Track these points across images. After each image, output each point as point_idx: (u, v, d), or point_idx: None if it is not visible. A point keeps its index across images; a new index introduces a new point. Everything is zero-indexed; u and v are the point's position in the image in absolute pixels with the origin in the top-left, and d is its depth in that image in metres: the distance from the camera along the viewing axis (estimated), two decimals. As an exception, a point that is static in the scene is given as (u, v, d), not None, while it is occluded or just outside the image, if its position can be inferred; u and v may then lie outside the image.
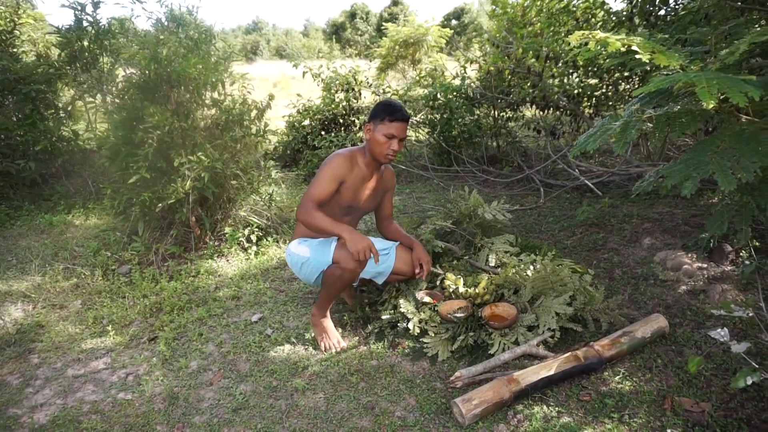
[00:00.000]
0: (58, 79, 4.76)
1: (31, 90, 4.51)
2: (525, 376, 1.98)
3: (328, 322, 2.47)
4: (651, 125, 1.48)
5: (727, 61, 1.28)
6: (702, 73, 1.17)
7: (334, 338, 2.44)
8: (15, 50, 4.89)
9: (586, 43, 1.44)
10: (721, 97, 1.13)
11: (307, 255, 2.39)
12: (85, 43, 4.60)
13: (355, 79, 5.84)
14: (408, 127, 6.12)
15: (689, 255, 2.77)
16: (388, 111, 2.31)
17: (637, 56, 1.25)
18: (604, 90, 4.92)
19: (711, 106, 1.09)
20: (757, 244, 2.69)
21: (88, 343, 2.60)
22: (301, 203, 2.26)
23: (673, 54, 1.27)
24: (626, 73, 4.51)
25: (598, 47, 1.41)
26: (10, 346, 2.61)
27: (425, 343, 2.34)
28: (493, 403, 1.90)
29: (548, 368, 2.01)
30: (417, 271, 2.53)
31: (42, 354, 2.53)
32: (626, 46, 1.30)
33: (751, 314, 1.54)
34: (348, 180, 2.36)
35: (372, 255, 2.16)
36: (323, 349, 2.41)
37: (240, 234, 3.58)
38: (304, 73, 5.90)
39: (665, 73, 1.40)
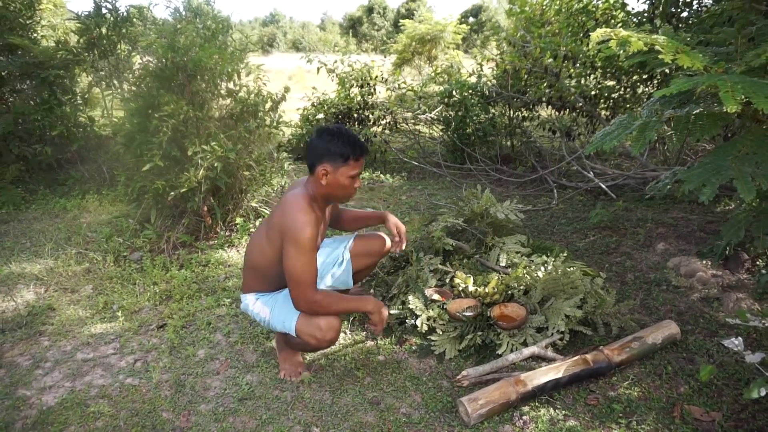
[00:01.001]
0: (76, 65, 4.80)
1: (49, 75, 4.55)
2: (532, 377, 1.97)
3: (291, 352, 2.24)
4: (670, 127, 1.45)
5: (753, 64, 1.25)
6: (726, 76, 1.14)
7: (297, 368, 2.21)
8: (35, 35, 4.94)
9: (608, 40, 1.41)
10: (744, 100, 1.10)
11: (267, 316, 2.13)
12: (104, 30, 4.62)
13: (369, 75, 5.82)
14: (421, 124, 6.12)
15: (704, 262, 2.73)
16: (352, 148, 1.94)
17: (660, 56, 1.22)
18: (622, 92, 4.86)
19: (734, 110, 1.06)
20: (774, 253, 2.65)
21: (97, 328, 2.62)
22: (297, 293, 1.92)
23: (697, 55, 1.24)
24: (645, 75, 4.45)
25: (619, 47, 1.38)
26: (21, 327, 2.64)
27: (433, 340, 2.33)
28: (500, 404, 1.88)
29: (556, 371, 1.99)
30: (396, 239, 2.34)
31: (52, 337, 2.56)
32: (649, 46, 1.27)
33: (767, 324, 1.51)
34: None
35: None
36: (281, 376, 2.18)
37: (251, 225, 3.58)
38: (318, 68, 5.89)
39: (688, 74, 1.37)
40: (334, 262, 2.34)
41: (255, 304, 2.16)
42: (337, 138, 1.93)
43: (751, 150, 1.27)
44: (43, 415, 2.01)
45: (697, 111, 1.43)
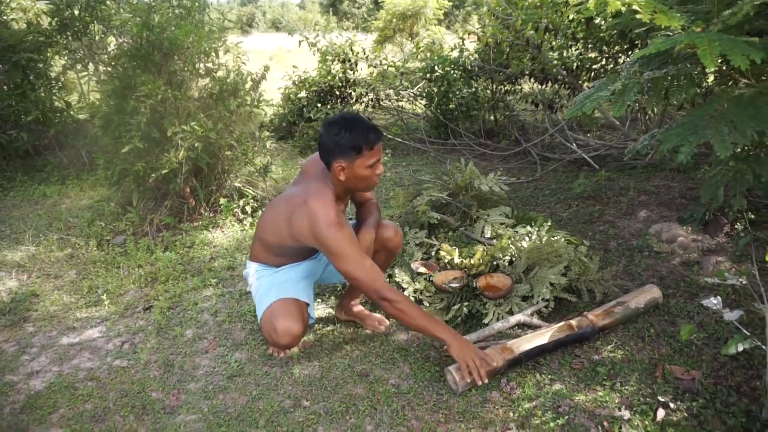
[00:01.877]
0: (49, 47, 4.67)
1: (21, 58, 4.42)
2: (519, 344, 1.99)
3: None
4: (649, 87, 1.45)
5: (729, 22, 1.25)
6: (704, 34, 1.15)
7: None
8: (4, 18, 4.79)
9: (586, 1, 1.40)
10: (721, 58, 1.10)
11: (255, 292, 2.14)
12: (76, 11, 4.49)
13: (351, 50, 5.75)
14: (404, 100, 6.07)
15: (684, 227, 2.77)
16: (363, 139, 1.80)
17: (638, 16, 1.22)
18: (603, 63, 4.86)
19: (712, 68, 1.07)
20: (752, 216, 2.69)
21: (83, 312, 2.60)
22: (371, 292, 1.84)
23: (675, 15, 1.23)
24: (626, 46, 4.44)
25: (597, 8, 1.37)
26: (5, 314, 2.61)
27: (420, 312, 2.35)
28: (487, 371, 1.91)
29: (542, 337, 2.02)
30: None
31: (37, 323, 2.54)
32: (627, 6, 1.26)
33: (744, 282, 1.54)
34: None
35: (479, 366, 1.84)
36: (269, 351, 2.19)
37: (235, 205, 3.56)
38: (300, 41, 5.80)
39: (667, 35, 1.37)
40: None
41: (252, 276, 2.16)
42: (345, 130, 1.79)
43: (728, 109, 1.28)
44: (32, 399, 2.01)
45: (674, 72, 1.43)
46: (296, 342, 2.03)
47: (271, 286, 2.09)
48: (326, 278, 2.36)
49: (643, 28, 1.58)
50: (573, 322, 2.09)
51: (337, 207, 1.88)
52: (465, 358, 1.84)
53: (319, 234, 1.83)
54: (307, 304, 2.10)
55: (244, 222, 3.51)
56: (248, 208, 3.57)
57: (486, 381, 1.84)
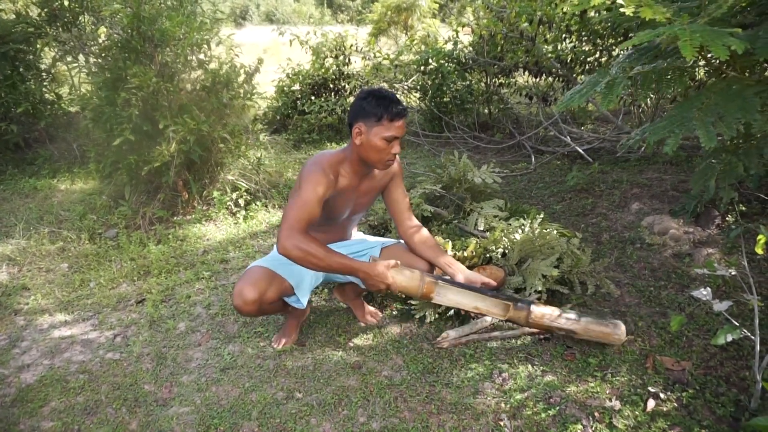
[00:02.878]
0: (38, 38, 4.62)
1: (9, 49, 4.37)
2: (442, 290, 1.92)
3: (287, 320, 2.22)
4: (638, 82, 1.45)
5: (715, 15, 1.25)
6: (686, 26, 1.15)
7: (282, 336, 2.21)
8: (-8, 9, 4.74)
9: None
10: (700, 48, 1.10)
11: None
12: (66, 2, 4.45)
13: (343, 44, 5.72)
14: (398, 93, 6.05)
15: (676, 220, 2.79)
16: (385, 107, 1.80)
17: (621, 9, 1.21)
18: (597, 56, 4.86)
19: (691, 58, 1.07)
20: (743, 208, 2.71)
21: (75, 305, 2.59)
22: (282, 231, 1.75)
23: (660, 8, 1.23)
24: (620, 38, 4.45)
25: (585, 2, 1.36)
26: (-5, 308, 2.60)
27: (413, 305, 2.35)
28: (399, 288, 1.87)
29: (470, 300, 1.95)
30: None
31: (28, 316, 2.53)
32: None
33: (733, 273, 1.55)
34: (332, 194, 1.90)
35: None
36: (273, 342, 2.21)
37: (228, 198, 3.54)
38: (291, 41, 5.77)
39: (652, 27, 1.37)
40: (357, 254, 2.16)
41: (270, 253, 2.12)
42: (373, 97, 1.82)
43: (715, 101, 1.29)
44: (23, 392, 2.00)
45: (664, 65, 1.43)
46: (246, 308, 1.91)
47: (268, 256, 2.08)
48: (332, 276, 2.22)
49: (632, 23, 1.58)
50: (512, 307, 1.94)
51: (330, 163, 1.87)
52: (376, 285, 1.85)
53: (299, 174, 1.86)
54: (293, 287, 2.01)
55: (238, 215, 3.50)
56: (241, 201, 3.56)
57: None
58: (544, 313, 1.96)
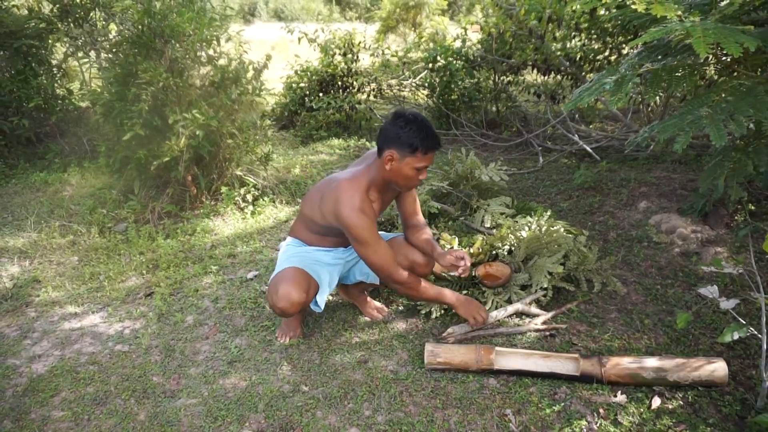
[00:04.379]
0: (50, 33, 4.66)
1: (22, 45, 4.42)
2: (502, 357, 1.91)
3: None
4: (647, 80, 1.45)
5: (727, 12, 1.25)
6: (699, 24, 1.15)
7: (289, 330, 2.22)
8: (6, 3, 4.77)
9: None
10: (714, 46, 1.10)
11: (278, 260, 2.16)
12: (77, -2, 4.49)
13: (352, 42, 5.73)
14: (406, 90, 6.05)
15: (684, 218, 2.78)
16: (423, 141, 1.82)
17: (633, 6, 1.21)
18: (607, 54, 4.84)
19: (704, 55, 1.07)
20: (752, 207, 2.69)
21: (84, 298, 2.62)
22: (385, 278, 2.00)
23: (672, 5, 1.23)
24: (630, 37, 4.42)
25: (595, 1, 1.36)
26: (6, 300, 2.63)
27: (420, 302, 2.36)
28: (455, 367, 1.94)
29: (534, 363, 1.89)
30: (459, 264, 2.04)
31: (39, 308, 2.56)
32: (624, -5, 1.26)
33: (740, 271, 1.55)
34: None
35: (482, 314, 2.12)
36: (277, 334, 2.24)
37: (236, 193, 3.56)
38: (299, 38, 5.78)
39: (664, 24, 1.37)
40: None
41: (284, 248, 2.17)
42: (410, 126, 1.82)
43: (725, 100, 1.28)
44: (34, 382, 2.03)
45: (674, 63, 1.43)
46: (292, 310, 1.97)
47: (294, 256, 2.10)
48: (353, 275, 2.29)
49: (643, 20, 1.57)
50: (582, 361, 1.86)
51: (365, 194, 1.92)
52: (471, 314, 2.10)
53: (340, 215, 1.89)
54: (319, 288, 2.08)
55: (245, 210, 3.53)
56: (249, 197, 3.58)
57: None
58: (620, 364, 1.82)
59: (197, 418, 1.82)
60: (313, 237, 2.12)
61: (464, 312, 2.11)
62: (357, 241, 1.92)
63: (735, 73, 1.42)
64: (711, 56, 1.43)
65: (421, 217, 2.22)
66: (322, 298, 2.10)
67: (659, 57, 1.58)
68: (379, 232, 2.25)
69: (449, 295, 2.11)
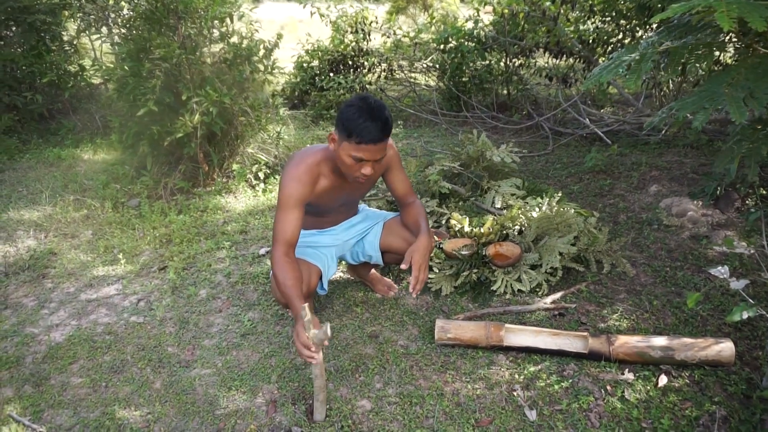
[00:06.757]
0: (63, 9, 4.67)
1: (36, 20, 4.43)
2: (512, 334, 1.94)
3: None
4: (667, 58, 1.45)
5: (751, -13, 1.24)
6: (723, -2, 1.14)
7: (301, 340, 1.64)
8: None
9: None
10: (737, 20, 1.10)
11: None
12: (89, -27, 4.48)
13: (364, 19, 5.69)
14: (417, 72, 6.01)
15: (695, 202, 2.78)
16: (357, 128, 1.63)
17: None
18: (620, 37, 4.79)
19: (727, 29, 1.07)
20: (764, 192, 2.69)
21: (99, 270, 2.67)
22: (272, 244, 1.79)
23: (694, -21, 1.23)
24: (645, 19, 4.37)
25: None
26: (24, 270, 2.68)
27: (430, 278, 2.39)
28: (465, 343, 1.97)
29: (543, 340, 1.92)
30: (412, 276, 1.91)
31: (55, 279, 2.61)
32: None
33: (752, 251, 1.56)
34: (315, 194, 1.85)
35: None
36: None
37: (248, 171, 3.59)
38: (312, 13, 5.74)
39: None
40: (362, 234, 2.17)
41: None
42: (354, 109, 1.65)
43: (745, 77, 1.28)
44: (52, 350, 2.08)
45: (694, 42, 1.43)
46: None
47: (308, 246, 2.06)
48: (356, 255, 2.23)
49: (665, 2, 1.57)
50: (591, 340, 1.88)
51: (312, 166, 1.81)
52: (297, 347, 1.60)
53: (280, 179, 1.83)
54: (321, 272, 2.04)
55: (257, 188, 3.55)
56: (261, 174, 3.60)
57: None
58: (628, 342, 1.84)
59: (211, 388, 1.86)
60: (308, 219, 2.04)
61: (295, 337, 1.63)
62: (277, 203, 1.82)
63: (754, 52, 1.41)
64: (732, 34, 1.42)
65: (410, 197, 2.09)
66: (325, 282, 2.07)
67: (679, 35, 1.57)
68: (378, 212, 2.26)
69: (297, 311, 1.63)
